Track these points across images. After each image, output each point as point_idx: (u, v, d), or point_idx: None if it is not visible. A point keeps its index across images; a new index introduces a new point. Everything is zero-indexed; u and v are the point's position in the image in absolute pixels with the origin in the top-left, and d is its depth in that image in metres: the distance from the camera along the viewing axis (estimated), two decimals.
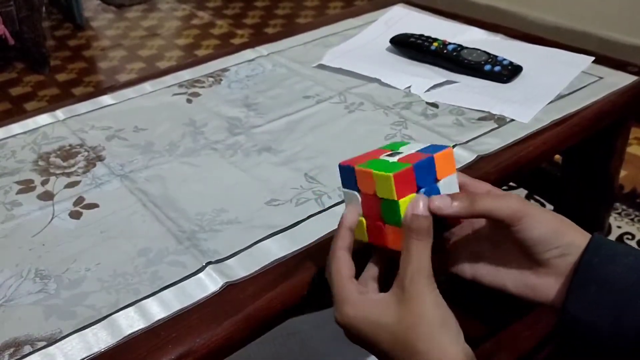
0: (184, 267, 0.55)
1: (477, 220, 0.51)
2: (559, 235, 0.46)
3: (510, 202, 0.46)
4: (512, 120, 0.75)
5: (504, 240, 0.48)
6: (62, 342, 0.49)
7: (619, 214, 1.46)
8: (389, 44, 0.93)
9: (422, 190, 0.46)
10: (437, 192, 0.47)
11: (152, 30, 2.73)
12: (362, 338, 0.45)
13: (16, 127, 0.79)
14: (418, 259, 0.44)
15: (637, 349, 0.42)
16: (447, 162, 0.47)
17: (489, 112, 0.76)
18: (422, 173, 0.46)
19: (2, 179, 0.69)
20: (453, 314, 0.43)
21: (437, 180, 0.47)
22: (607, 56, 0.87)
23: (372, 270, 0.48)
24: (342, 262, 0.47)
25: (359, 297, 0.45)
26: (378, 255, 0.48)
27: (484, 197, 0.47)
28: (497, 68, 0.83)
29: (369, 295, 0.46)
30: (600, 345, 0.44)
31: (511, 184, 1.47)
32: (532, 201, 1.49)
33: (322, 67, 0.90)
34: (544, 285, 0.47)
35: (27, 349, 0.48)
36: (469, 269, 0.51)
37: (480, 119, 0.76)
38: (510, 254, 0.48)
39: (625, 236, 1.39)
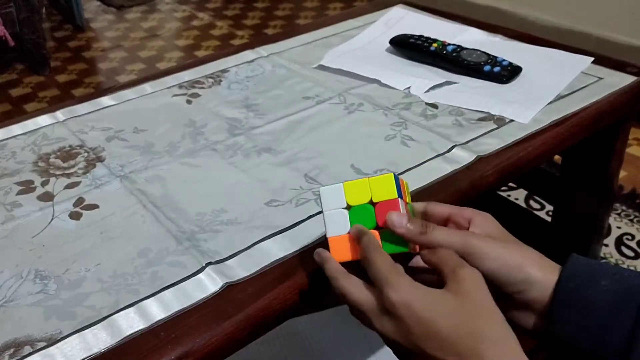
0: (183, 267, 0.55)
1: None
2: (511, 272, 0.46)
3: (458, 234, 0.47)
4: (512, 120, 0.75)
5: None
6: (62, 342, 0.49)
7: (619, 214, 1.46)
8: (388, 45, 0.93)
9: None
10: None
11: (152, 31, 2.74)
12: (414, 322, 0.42)
13: (16, 128, 0.79)
14: (455, 257, 0.45)
15: None
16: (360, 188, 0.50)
17: (488, 113, 0.76)
18: (397, 185, 0.50)
19: (2, 179, 0.69)
20: None
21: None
22: (606, 56, 0.87)
23: None
24: (385, 254, 0.46)
25: (412, 279, 0.44)
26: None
27: (435, 229, 0.47)
28: (496, 69, 0.83)
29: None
30: None
31: (511, 184, 1.47)
32: (531, 201, 1.49)
33: (321, 68, 0.90)
34: (515, 316, 0.48)
35: (27, 349, 0.48)
36: None
37: (480, 119, 0.76)
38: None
39: (625, 237, 1.40)
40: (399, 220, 0.48)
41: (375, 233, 0.49)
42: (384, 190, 0.49)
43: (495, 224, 0.50)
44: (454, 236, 0.47)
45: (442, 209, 0.51)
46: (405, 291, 0.43)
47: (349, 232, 0.50)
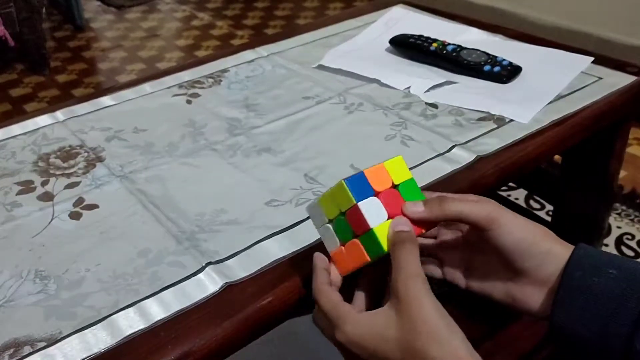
0: (183, 267, 0.55)
1: (464, 228, 0.51)
2: (533, 244, 0.46)
3: (482, 207, 0.47)
4: (512, 120, 0.75)
5: (489, 248, 0.48)
6: (62, 342, 0.49)
7: (619, 214, 1.46)
8: (388, 45, 0.93)
9: (365, 200, 0.47)
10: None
11: (152, 31, 2.74)
12: (367, 355, 0.43)
13: (16, 128, 0.79)
14: (407, 264, 0.44)
15: (624, 357, 0.42)
16: (381, 174, 0.48)
17: (488, 113, 0.76)
18: (355, 187, 0.47)
19: (2, 179, 0.69)
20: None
21: (376, 193, 0.47)
22: (606, 56, 0.87)
23: (360, 295, 0.48)
24: (329, 292, 0.47)
25: (357, 314, 0.45)
26: (364, 280, 0.48)
27: (455, 200, 0.47)
28: (496, 68, 0.83)
29: (366, 312, 0.45)
30: (589, 353, 0.44)
31: (511, 184, 1.47)
32: (531, 201, 1.49)
33: (321, 67, 0.90)
34: (525, 295, 0.48)
35: (27, 349, 0.48)
36: (461, 278, 0.52)
37: (480, 119, 0.76)
38: (495, 262, 0.48)
39: (625, 236, 1.40)
40: (414, 207, 0.47)
41: (356, 242, 0.47)
42: (344, 199, 0.48)
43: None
44: (475, 206, 0.47)
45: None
46: (349, 332, 0.44)
47: (340, 245, 0.49)
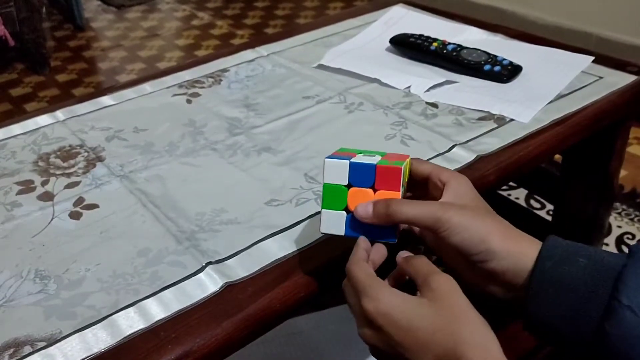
0: (183, 267, 0.55)
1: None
2: (474, 243, 0.46)
3: (427, 209, 0.47)
4: (512, 120, 0.75)
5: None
6: (62, 342, 0.49)
7: (619, 214, 1.46)
8: (388, 44, 0.93)
9: None
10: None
11: (152, 30, 2.74)
12: (394, 329, 0.43)
13: (16, 128, 0.79)
14: (427, 264, 0.45)
15: (594, 349, 0.43)
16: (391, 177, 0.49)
17: (488, 112, 0.76)
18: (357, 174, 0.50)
19: (2, 179, 0.69)
20: None
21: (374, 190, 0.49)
22: (606, 56, 0.87)
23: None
24: (365, 265, 0.47)
25: (392, 288, 0.45)
26: (391, 279, 0.49)
27: (404, 204, 0.47)
28: (496, 68, 0.83)
29: (399, 291, 0.45)
30: (561, 340, 0.45)
31: (511, 183, 1.47)
32: (531, 200, 1.49)
33: (321, 67, 0.90)
34: (485, 284, 0.48)
35: (27, 349, 0.48)
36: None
37: (480, 118, 0.76)
38: (462, 260, 0.48)
39: (626, 236, 1.39)
40: (365, 211, 0.48)
41: None
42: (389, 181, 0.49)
43: (469, 189, 0.50)
44: (422, 210, 0.47)
45: (424, 167, 0.52)
46: (382, 302, 0.44)
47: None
